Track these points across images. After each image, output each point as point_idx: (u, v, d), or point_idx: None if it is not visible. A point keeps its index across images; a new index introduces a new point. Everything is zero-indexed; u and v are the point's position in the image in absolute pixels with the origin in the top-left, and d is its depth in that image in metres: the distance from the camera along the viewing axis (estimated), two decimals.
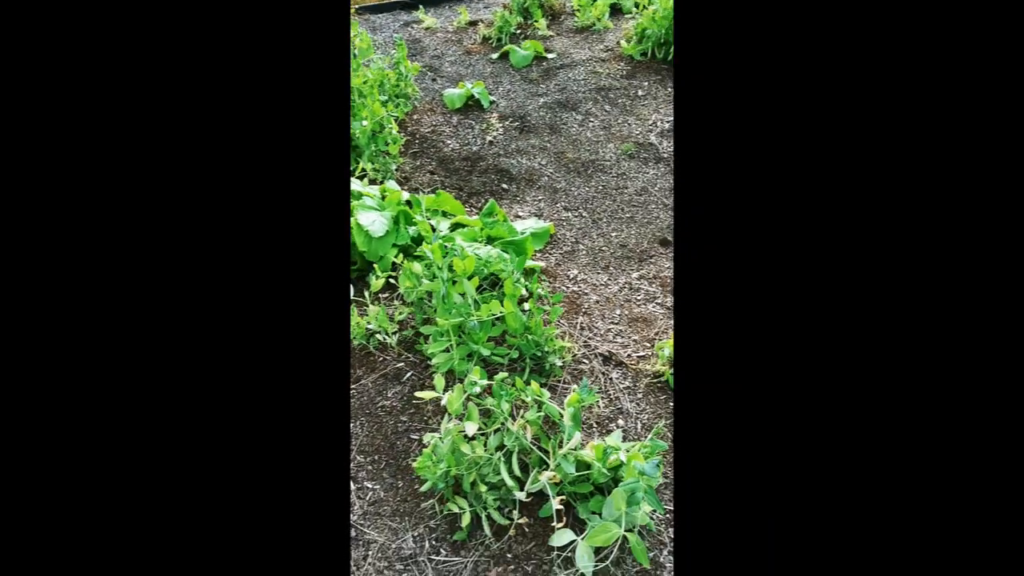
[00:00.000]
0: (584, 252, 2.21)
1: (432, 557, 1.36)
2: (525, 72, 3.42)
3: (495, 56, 3.58)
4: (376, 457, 1.56)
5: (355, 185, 2.24)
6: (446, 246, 1.78)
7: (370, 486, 1.50)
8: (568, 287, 2.05)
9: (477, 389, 1.47)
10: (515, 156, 2.75)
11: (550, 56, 3.52)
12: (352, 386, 1.74)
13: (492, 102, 3.14)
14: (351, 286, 1.89)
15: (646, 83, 3.25)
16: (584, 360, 1.78)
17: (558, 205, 2.46)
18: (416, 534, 1.40)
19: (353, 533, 1.41)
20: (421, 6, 4.24)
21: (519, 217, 2.39)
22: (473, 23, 4.03)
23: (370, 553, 1.37)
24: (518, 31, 3.79)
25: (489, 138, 2.88)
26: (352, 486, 1.50)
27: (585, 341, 1.84)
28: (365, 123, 2.45)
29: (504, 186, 2.57)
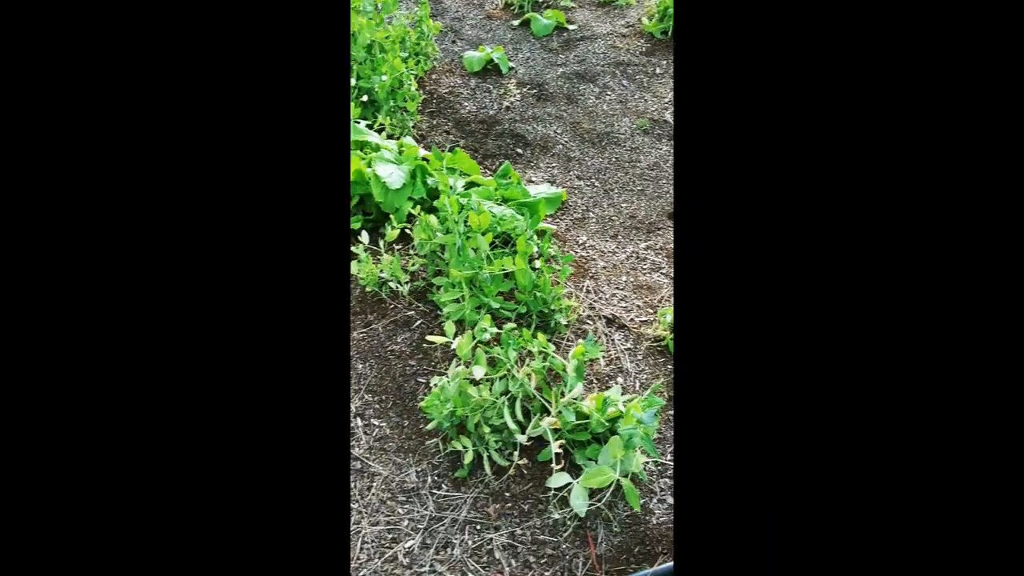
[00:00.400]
0: (594, 220, 2.26)
1: (434, 491, 1.43)
2: (545, 41, 3.42)
3: (516, 23, 3.58)
4: (383, 397, 1.62)
5: (373, 138, 2.27)
6: (462, 201, 1.82)
7: (376, 423, 1.57)
8: (577, 252, 2.10)
9: (487, 336, 1.52)
10: (531, 123, 2.77)
11: (571, 27, 3.53)
12: (362, 330, 1.79)
13: (511, 68, 3.15)
14: (367, 234, 1.94)
15: (664, 61, 3.26)
16: (588, 321, 1.84)
17: (571, 173, 2.50)
18: (419, 469, 1.47)
19: (359, 466, 1.48)
20: None
21: (532, 182, 2.43)
22: None
23: (374, 484, 1.44)
24: (540, 0, 3.78)
25: (506, 103, 2.90)
26: (359, 423, 1.57)
27: (590, 303, 1.90)
28: (385, 78, 2.47)
29: (519, 151, 2.60)
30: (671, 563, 1.28)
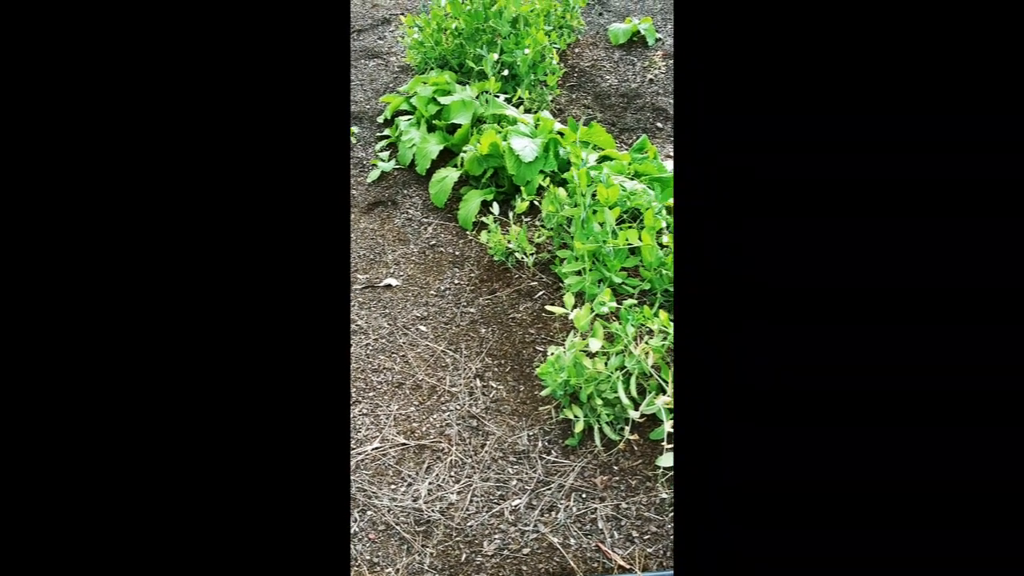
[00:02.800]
0: None
1: (543, 456, 1.47)
2: None
3: None
4: (502, 361, 1.68)
5: (511, 111, 2.32)
6: (592, 174, 1.81)
7: (495, 385, 1.63)
8: None
9: (605, 309, 1.52)
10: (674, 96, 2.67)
11: None
12: (487, 297, 1.86)
13: (658, 39, 3.04)
14: (497, 206, 2.00)
15: None
16: None
17: None
18: (531, 433, 1.51)
19: (475, 424, 1.55)
20: None
21: (671, 157, 2.35)
22: None
23: (487, 443, 1.51)
24: None
25: (650, 76, 2.81)
26: (478, 383, 1.64)
27: None
28: (527, 52, 2.50)
29: (659, 125, 2.52)
30: None
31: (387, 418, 1.58)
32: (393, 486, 1.43)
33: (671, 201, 1.99)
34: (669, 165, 2.17)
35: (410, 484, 1.43)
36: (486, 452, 1.49)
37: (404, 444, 1.52)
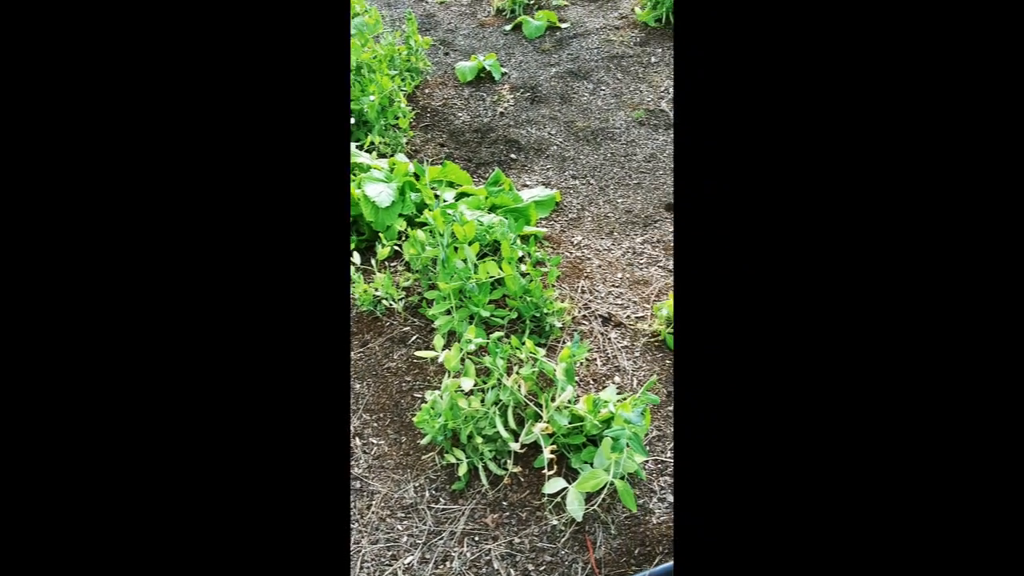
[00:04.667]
0: (590, 218, 2.23)
1: (432, 505, 1.43)
2: (538, 43, 3.41)
3: (508, 28, 3.58)
4: (381, 415, 1.64)
5: (363, 158, 2.30)
6: (448, 213, 1.83)
7: (375, 442, 1.58)
8: (572, 253, 2.08)
9: (472, 346, 1.52)
10: (525, 126, 2.77)
11: (564, 26, 3.51)
12: (360, 350, 1.81)
13: (504, 74, 3.15)
14: (359, 255, 1.96)
15: (659, 49, 3.21)
16: (584, 321, 1.82)
17: (566, 173, 2.48)
18: (417, 484, 1.47)
19: (358, 485, 1.49)
20: None
21: (527, 186, 2.42)
22: None
23: (374, 503, 1.45)
24: (531, 2, 3.78)
25: (500, 109, 2.90)
26: (358, 442, 1.58)
27: (585, 304, 1.88)
28: (373, 98, 2.50)
29: (513, 156, 2.60)
30: (671, 563, 1.25)
31: None
32: None
33: (526, 229, 2.04)
34: (525, 194, 2.23)
35: None
36: (373, 512, 1.43)
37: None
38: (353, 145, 2.37)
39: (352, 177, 2.17)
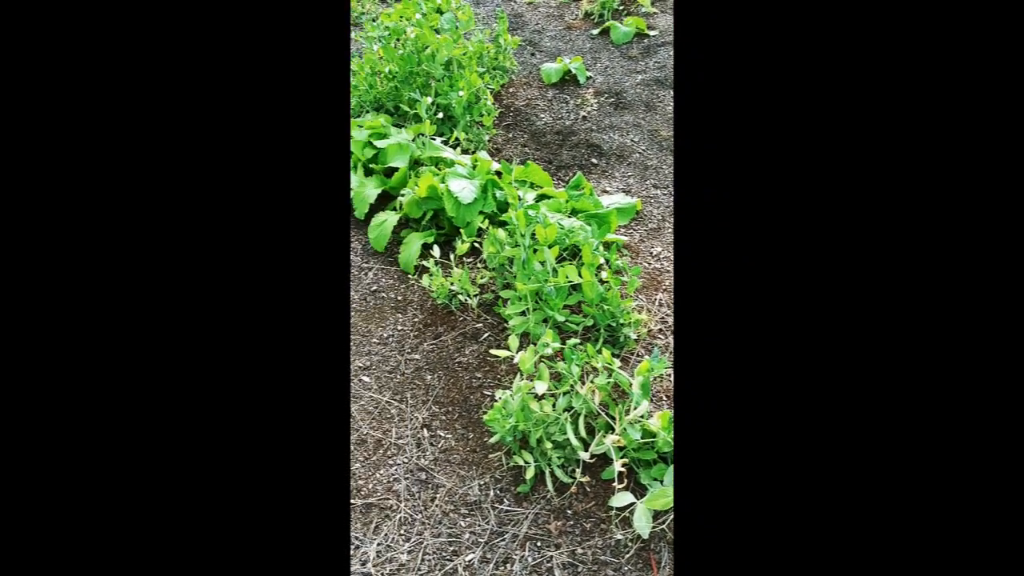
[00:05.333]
0: (670, 230, 2.19)
1: (496, 505, 1.43)
2: (625, 49, 3.37)
3: (596, 32, 3.55)
4: (450, 408, 1.65)
5: (448, 153, 2.32)
6: (530, 214, 1.82)
7: (442, 435, 1.59)
8: (651, 264, 2.04)
9: (549, 351, 1.51)
10: (608, 132, 2.74)
11: (652, 33, 3.45)
12: (432, 342, 1.83)
13: (589, 77, 3.13)
14: (438, 248, 1.98)
15: None
16: (660, 335, 1.78)
17: (647, 182, 2.44)
18: (482, 482, 1.47)
19: (424, 476, 1.51)
20: None
21: (606, 192, 2.39)
22: None
23: (438, 496, 1.46)
24: (620, 7, 3.74)
25: (583, 113, 2.88)
26: (426, 433, 1.60)
27: (662, 317, 1.84)
28: (461, 93, 2.52)
29: (594, 161, 2.58)
30: None
31: None
32: None
33: (608, 236, 2.02)
34: (606, 200, 2.21)
35: (357, 547, 1.37)
36: (436, 506, 1.44)
37: (350, 504, 1.45)
38: (438, 140, 2.40)
39: (436, 171, 2.20)
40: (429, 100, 2.43)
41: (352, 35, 3.59)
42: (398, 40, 2.69)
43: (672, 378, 1.69)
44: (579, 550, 1.34)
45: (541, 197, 2.14)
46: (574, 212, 2.05)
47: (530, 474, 1.43)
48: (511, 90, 3.07)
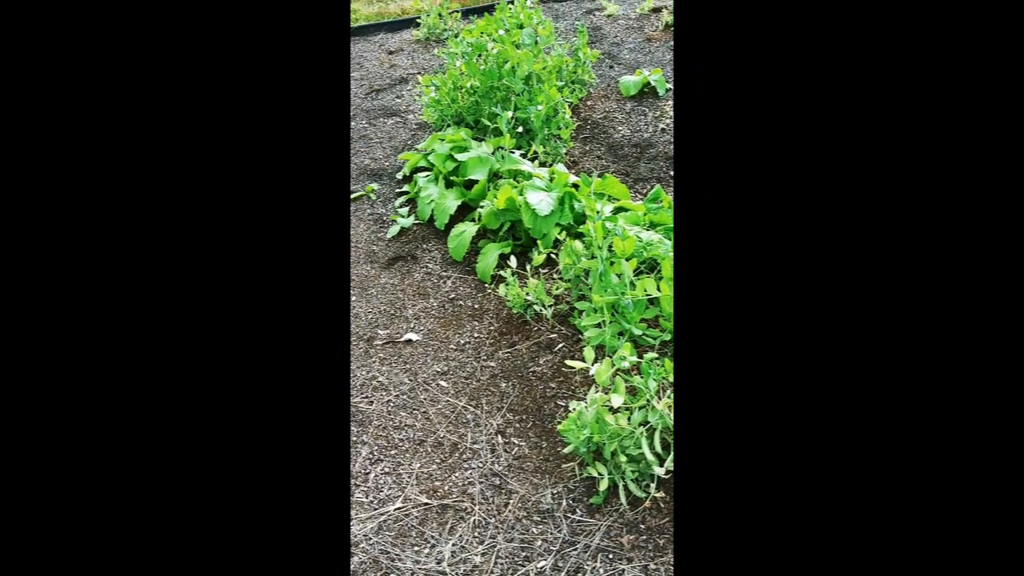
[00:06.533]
0: None
1: (568, 515, 1.44)
2: None
3: None
4: (524, 416, 1.67)
5: (526, 166, 2.36)
6: (608, 226, 1.83)
7: (516, 442, 1.62)
8: None
9: (626, 364, 1.51)
10: None
11: None
12: (507, 350, 1.87)
13: (668, 90, 3.11)
14: (515, 259, 2.02)
15: None
16: None
17: None
18: (555, 491, 1.49)
19: (497, 481, 1.54)
20: None
21: None
22: (656, 9, 3.99)
23: (511, 502, 1.49)
24: None
25: (662, 125, 2.86)
26: (500, 440, 1.63)
27: None
28: (540, 107, 2.57)
29: (672, 174, 2.55)
30: None
31: (409, 476, 1.57)
32: (416, 548, 1.41)
33: None
34: None
35: (433, 546, 1.41)
36: (509, 511, 1.47)
37: (427, 504, 1.50)
38: (516, 153, 2.45)
39: (514, 184, 2.24)
40: (509, 114, 2.49)
41: (435, 51, 3.72)
42: (480, 56, 2.77)
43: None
44: (652, 565, 1.33)
45: (619, 210, 2.15)
46: (652, 225, 2.04)
47: (603, 486, 1.43)
48: (589, 103, 3.09)
